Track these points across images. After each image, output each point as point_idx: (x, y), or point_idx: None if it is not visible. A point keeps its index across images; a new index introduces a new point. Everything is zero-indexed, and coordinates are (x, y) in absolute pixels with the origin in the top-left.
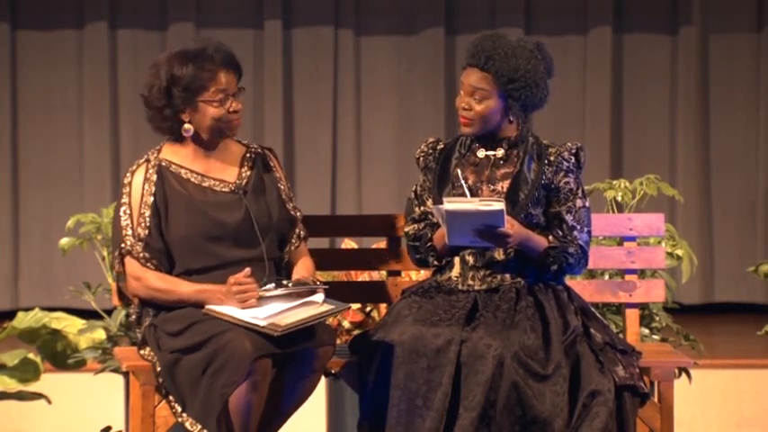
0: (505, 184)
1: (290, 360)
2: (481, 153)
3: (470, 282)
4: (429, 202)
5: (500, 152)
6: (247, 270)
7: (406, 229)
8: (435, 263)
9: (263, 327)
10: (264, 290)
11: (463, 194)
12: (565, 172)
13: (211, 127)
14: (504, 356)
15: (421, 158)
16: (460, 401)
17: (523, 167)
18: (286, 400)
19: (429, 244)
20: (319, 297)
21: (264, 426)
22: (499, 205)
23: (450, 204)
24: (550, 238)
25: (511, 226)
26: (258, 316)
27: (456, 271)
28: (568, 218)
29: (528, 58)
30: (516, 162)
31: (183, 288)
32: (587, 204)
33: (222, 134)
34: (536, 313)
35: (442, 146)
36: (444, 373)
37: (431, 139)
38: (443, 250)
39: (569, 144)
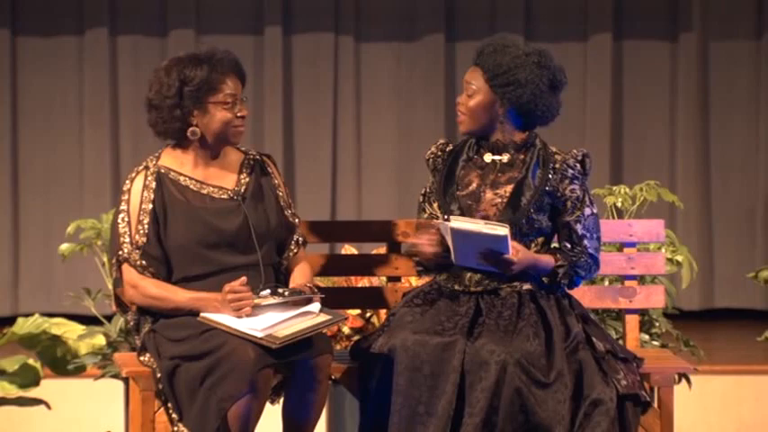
0: (509, 189)
1: (290, 374)
2: (488, 157)
3: (467, 282)
4: (436, 204)
5: (506, 157)
6: (243, 279)
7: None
8: (426, 277)
9: (260, 338)
10: (260, 297)
11: (468, 195)
12: (570, 180)
13: (218, 131)
14: (508, 363)
15: (430, 160)
16: (464, 408)
17: (528, 173)
18: (304, 417)
19: (417, 259)
20: (315, 306)
21: None
22: (503, 231)
23: (456, 223)
24: (558, 255)
25: (516, 252)
26: (255, 327)
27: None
28: (578, 227)
29: (517, 56)
30: (522, 167)
31: (179, 296)
32: (595, 211)
33: (226, 141)
34: (539, 320)
35: (451, 147)
36: (448, 380)
37: (441, 141)
38: (431, 264)
39: (575, 151)
